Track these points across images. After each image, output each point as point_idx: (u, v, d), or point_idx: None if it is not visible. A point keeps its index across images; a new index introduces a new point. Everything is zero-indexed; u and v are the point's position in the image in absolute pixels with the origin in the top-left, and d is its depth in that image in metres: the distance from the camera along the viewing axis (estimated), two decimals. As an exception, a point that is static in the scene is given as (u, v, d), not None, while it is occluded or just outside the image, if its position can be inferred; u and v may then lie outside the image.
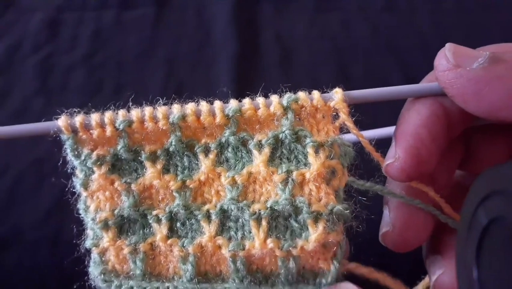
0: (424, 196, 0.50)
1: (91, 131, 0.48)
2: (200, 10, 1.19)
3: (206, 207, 0.50)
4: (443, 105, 0.47)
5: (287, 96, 0.48)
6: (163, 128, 0.48)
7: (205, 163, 0.49)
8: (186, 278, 0.50)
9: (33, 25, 1.15)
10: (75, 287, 0.55)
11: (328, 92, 0.48)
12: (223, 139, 0.49)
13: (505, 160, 0.51)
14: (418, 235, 0.51)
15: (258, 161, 0.49)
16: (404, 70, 1.08)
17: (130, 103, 0.49)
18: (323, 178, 0.48)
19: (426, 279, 0.56)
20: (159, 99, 0.49)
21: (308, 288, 0.50)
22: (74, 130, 0.48)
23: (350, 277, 0.51)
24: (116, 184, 0.50)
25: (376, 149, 0.49)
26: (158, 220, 0.50)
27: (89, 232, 0.51)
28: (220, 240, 0.49)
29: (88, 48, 1.12)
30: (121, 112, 0.48)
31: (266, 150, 0.48)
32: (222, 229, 0.50)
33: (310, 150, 0.48)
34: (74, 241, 0.52)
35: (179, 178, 0.50)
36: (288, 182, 0.48)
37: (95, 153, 0.49)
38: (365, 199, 0.50)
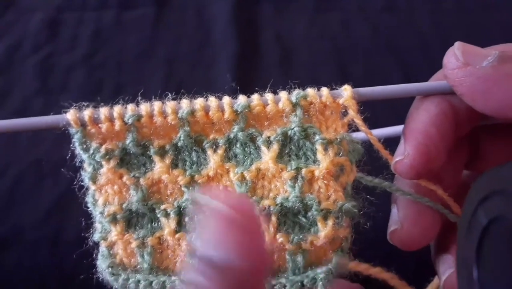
0: (432, 195, 0.50)
1: (99, 125, 0.48)
2: (200, 10, 1.19)
3: None
4: (451, 103, 0.47)
5: (296, 93, 0.48)
6: (172, 123, 0.48)
7: (213, 159, 0.49)
8: None
9: (33, 25, 1.15)
10: (81, 277, 0.55)
11: (336, 89, 0.48)
12: (232, 135, 0.49)
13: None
14: (426, 234, 0.51)
15: (267, 157, 0.48)
16: (404, 70, 1.08)
17: (139, 98, 0.49)
18: (332, 175, 0.48)
19: (435, 280, 0.56)
20: (168, 94, 0.49)
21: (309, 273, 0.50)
22: (82, 124, 0.48)
23: (351, 275, 0.51)
24: (124, 178, 0.50)
25: (384, 147, 0.49)
26: (167, 215, 0.50)
27: (98, 225, 0.51)
28: None
29: (88, 48, 1.12)
30: (130, 106, 0.48)
31: (275, 147, 0.48)
32: None
33: (319, 147, 0.48)
34: (82, 234, 0.52)
35: (187, 173, 0.50)
36: (297, 179, 0.48)
37: (103, 147, 0.49)
38: (373, 198, 0.50)
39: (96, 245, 0.52)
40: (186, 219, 0.50)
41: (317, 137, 0.48)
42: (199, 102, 0.48)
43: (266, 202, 0.49)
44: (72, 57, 1.10)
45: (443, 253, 0.52)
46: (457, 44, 0.46)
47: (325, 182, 0.48)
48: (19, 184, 0.92)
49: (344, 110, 0.48)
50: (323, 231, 0.48)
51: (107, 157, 0.49)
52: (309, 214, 0.49)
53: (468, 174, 0.56)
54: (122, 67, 1.09)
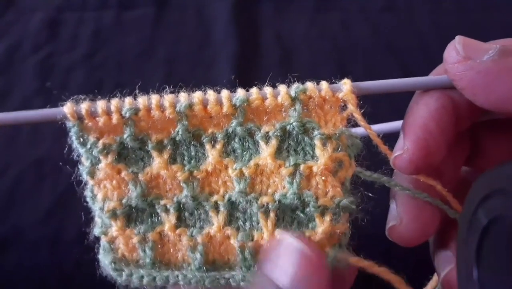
0: (431, 190, 0.50)
1: (97, 118, 0.48)
2: (200, 10, 1.20)
3: (214, 198, 0.49)
4: (451, 98, 0.47)
5: (295, 87, 0.47)
6: (170, 117, 0.48)
7: (212, 154, 0.49)
8: (195, 266, 0.50)
9: (33, 25, 1.15)
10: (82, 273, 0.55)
11: (335, 83, 0.48)
12: (230, 130, 0.49)
13: (511, 157, 0.51)
14: (425, 229, 0.50)
15: (266, 153, 0.48)
16: (404, 70, 1.08)
17: (137, 91, 0.49)
18: (330, 171, 0.48)
19: (434, 278, 0.56)
20: (166, 87, 0.49)
21: None
22: (80, 118, 0.48)
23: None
24: (123, 174, 0.49)
25: (383, 142, 0.49)
26: (166, 210, 0.50)
27: (97, 220, 0.51)
28: (228, 231, 0.49)
29: (88, 48, 1.12)
30: (128, 100, 0.48)
31: (274, 142, 0.48)
32: (230, 219, 0.50)
33: (317, 142, 0.47)
34: (83, 229, 0.52)
35: (186, 169, 0.49)
36: (295, 175, 0.48)
37: (101, 141, 0.49)
38: (371, 193, 0.50)
39: (97, 240, 0.52)
40: (186, 214, 0.50)
41: (315, 132, 0.47)
42: (197, 96, 0.48)
43: (264, 199, 0.48)
44: (72, 57, 1.10)
45: (442, 249, 0.52)
46: (458, 38, 0.46)
47: (323, 178, 0.48)
48: (19, 184, 0.93)
49: (343, 104, 0.48)
50: (321, 226, 0.48)
51: (105, 151, 0.49)
52: (307, 210, 0.48)
53: (467, 170, 0.56)
54: (122, 67, 1.09)
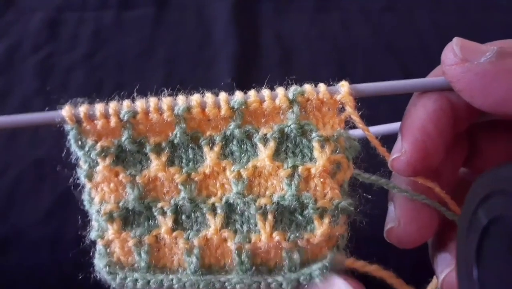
0: (429, 192, 0.50)
1: (95, 121, 0.48)
2: (200, 10, 1.20)
3: (212, 200, 0.49)
4: (449, 100, 0.47)
5: (293, 89, 0.47)
6: (168, 119, 0.48)
7: (210, 156, 0.49)
8: (190, 270, 0.50)
9: (33, 25, 1.16)
10: (80, 276, 0.55)
11: (333, 85, 0.48)
12: (228, 132, 0.48)
13: (510, 158, 0.51)
14: (423, 231, 0.50)
15: (264, 155, 0.48)
16: (404, 70, 1.08)
17: (135, 94, 0.49)
18: (328, 173, 0.48)
19: (434, 280, 0.56)
20: (164, 90, 0.49)
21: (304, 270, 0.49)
22: (78, 121, 0.48)
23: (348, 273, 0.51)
24: (120, 176, 0.49)
25: (381, 144, 0.49)
26: (163, 213, 0.50)
27: (94, 224, 0.51)
28: (225, 233, 0.49)
29: (88, 48, 1.12)
30: (126, 103, 0.48)
31: (272, 144, 0.48)
32: (227, 222, 0.49)
33: (315, 144, 0.47)
34: (79, 233, 0.52)
35: (184, 171, 0.49)
36: (294, 177, 0.48)
37: (99, 144, 0.49)
38: (370, 195, 0.50)
39: (94, 243, 0.52)
40: (183, 217, 0.50)
41: (313, 134, 0.47)
42: (195, 98, 0.48)
43: (262, 201, 0.48)
44: (72, 57, 1.10)
45: (441, 251, 0.52)
46: (456, 39, 0.45)
47: (321, 179, 0.48)
48: (19, 184, 0.93)
49: (341, 106, 0.48)
50: (319, 229, 0.48)
51: (103, 154, 0.49)
52: (306, 212, 0.48)
53: (465, 171, 0.56)
54: (122, 67, 1.09)
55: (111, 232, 0.50)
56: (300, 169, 0.48)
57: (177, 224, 0.50)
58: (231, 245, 0.49)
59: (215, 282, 0.50)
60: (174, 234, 0.50)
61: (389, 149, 0.48)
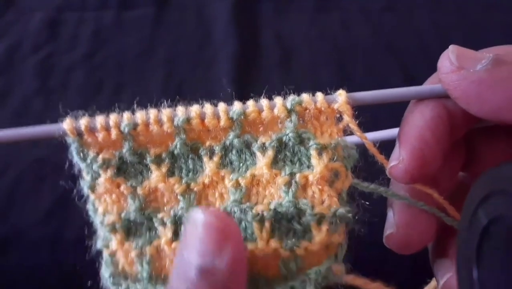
0: (427, 198, 0.50)
1: (96, 134, 0.48)
2: (200, 10, 1.19)
3: None
4: (446, 107, 0.47)
5: (291, 99, 0.48)
6: (168, 131, 0.48)
7: (209, 166, 0.49)
8: None
9: (33, 25, 1.16)
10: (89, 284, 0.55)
11: (331, 94, 0.48)
12: (228, 142, 0.49)
13: None
14: (422, 237, 0.51)
15: (262, 163, 0.48)
16: (404, 70, 1.08)
17: (135, 106, 0.49)
18: (326, 181, 0.48)
19: (432, 283, 0.56)
20: (163, 101, 0.49)
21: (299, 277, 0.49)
22: (79, 133, 0.48)
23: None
24: (122, 188, 0.50)
25: (380, 151, 0.49)
26: (163, 223, 0.50)
27: (100, 233, 0.51)
28: None
29: (88, 48, 1.12)
30: (126, 115, 0.48)
31: (270, 153, 0.48)
32: None
33: (313, 152, 0.48)
34: (84, 238, 0.52)
35: (183, 181, 0.49)
36: (291, 184, 0.48)
37: (100, 156, 0.49)
38: (368, 203, 0.50)
39: (100, 252, 0.52)
40: (182, 228, 0.50)
41: (311, 142, 0.47)
42: (194, 109, 0.48)
43: (259, 207, 0.48)
44: (72, 57, 1.10)
45: (441, 257, 0.52)
46: (451, 47, 0.46)
47: (319, 187, 0.48)
48: (19, 184, 0.93)
49: (339, 115, 0.48)
50: (317, 236, 0.47)
51: (105, 166, 0.49)
52: (303, 219, 0.48)
53: (464, 175, 0.56)
54: (122, 67, 1.10)
55: (114, 242, 0.50)
56: (297, 176, 0.48)
57: (177, 235, 0.50)
58: None
59: None
60: (173, 245, 0.50)
61: (388, 156, 0.49)
